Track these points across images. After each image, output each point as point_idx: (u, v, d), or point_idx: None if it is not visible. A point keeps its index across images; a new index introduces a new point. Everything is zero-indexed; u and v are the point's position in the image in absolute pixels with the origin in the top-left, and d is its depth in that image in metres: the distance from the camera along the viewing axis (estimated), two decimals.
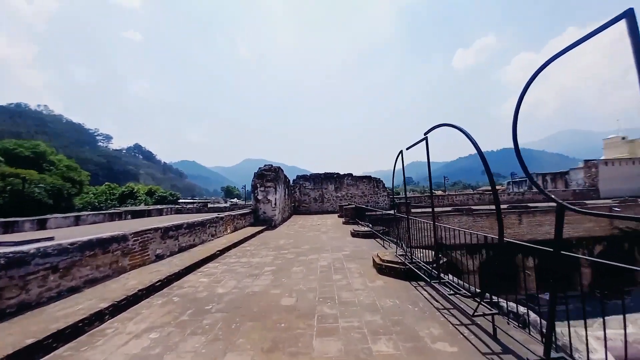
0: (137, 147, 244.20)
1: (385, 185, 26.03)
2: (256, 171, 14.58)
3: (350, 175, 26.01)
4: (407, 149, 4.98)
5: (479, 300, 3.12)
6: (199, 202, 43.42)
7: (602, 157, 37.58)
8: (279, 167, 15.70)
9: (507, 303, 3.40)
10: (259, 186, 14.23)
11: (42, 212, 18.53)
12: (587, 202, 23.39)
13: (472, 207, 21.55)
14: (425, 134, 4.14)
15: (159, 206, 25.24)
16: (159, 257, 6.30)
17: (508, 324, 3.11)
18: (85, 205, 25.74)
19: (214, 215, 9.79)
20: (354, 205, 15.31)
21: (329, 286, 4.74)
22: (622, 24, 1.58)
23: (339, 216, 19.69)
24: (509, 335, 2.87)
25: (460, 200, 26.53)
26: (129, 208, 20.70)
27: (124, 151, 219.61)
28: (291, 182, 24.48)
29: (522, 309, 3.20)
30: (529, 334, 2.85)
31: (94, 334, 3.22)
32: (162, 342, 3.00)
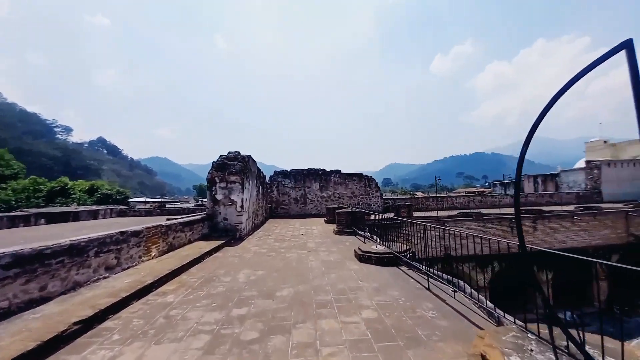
0: (101, 141, 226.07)
1: (378, 185, 22.53)
2: (215, 160, 10.29)
3: (337, 172, 22.22)
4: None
5: None
6: (154, 202, 37.60)
7: (584, 160, 36.94)
8: (249, 156, 11.50)
9: None
10: (217, 181, 9.96)
11: None
12: (602, 206, 21.29)
13: (481, 211, 18.48)
14: None
15: (93, 207, 19.93)
16: None
17: None
18: None
19: (130, 228, 5.50)
20: (350, 209, 11.50)
21: None
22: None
23: (326, 221, 15.81)
24: None
25: (461, 202, 23.66)
26: (43, 210, 15.44)
27: (86, 145, 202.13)
28: (267, 179, 20.24)
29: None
30: None
31: None
32: None
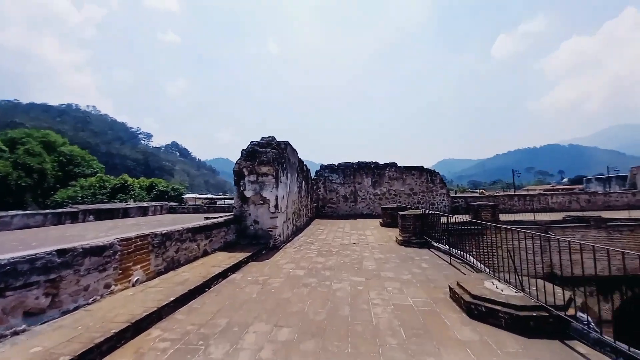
0: (174, 145, 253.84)
1: (444, 180, 18.61)
2: (245, 148, 8.19)
3: (393, 165, 18.93)
4: None
5: None
6: (205, 199, 38.49)
7: None
8: (286, 143, 9.19)
9: None
10: (246, 173, 7.83)
11: None
12: None
13: (601, 214, 13.52)
14: None
15: (143, 204, 20.06)
16: None
17: None
18: (65, 200, 21.49)
19: (83, 243, 3.52)
20: (419, 211, 8.42)
21: None
22: None
23: (382, 224, 12.90)
24: None
25: (559, 202, 18.31)
26: (92, 206, 15.50)
27: (162, 148, 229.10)
28: (313, 174, 17.99)
29: None
30: None
31: None
32: None
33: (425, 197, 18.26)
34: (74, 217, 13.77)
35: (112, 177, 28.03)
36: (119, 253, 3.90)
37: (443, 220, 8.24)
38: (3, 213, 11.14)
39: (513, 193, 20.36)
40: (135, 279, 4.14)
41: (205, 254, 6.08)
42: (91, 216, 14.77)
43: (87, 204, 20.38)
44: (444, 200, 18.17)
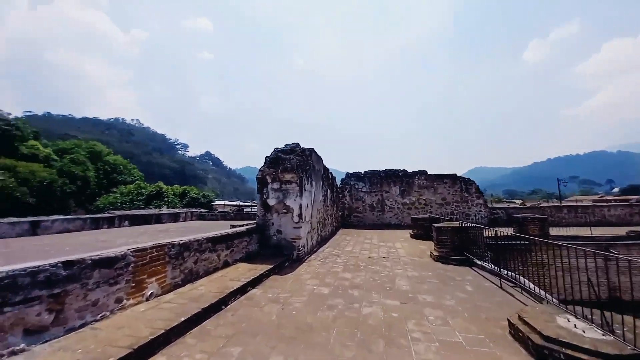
0: (208, 154, 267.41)
1: (480, 189, 17.19)
2: (268, 155, 7.92)
3: (423, 173, 17.88)
4: None
5: None
6: (233, 205, 39.26)
7: None
8: (311, 150, 8.81)
9: None
10: (269, 181, 7.53)
11: (11, 213, 15.09)
12: None
13: None
14: None
15: (175, 210, 20.70)
16: None
17: None
18: (106, 205, 22.87)
19: (93, 254, 3.31)
20: (458, 224, 7.56)
21: None
22: None
23: (412, 235, 12.02)
24: None
25: (617, 215, 16.07)
26: (127, 212, 16.17)
27: (197, 158, 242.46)
28: (338, 182, 17.48)
29: None
30: None
31: None
32: None
33: (459, 208, 16.96)
34: (110, 222, 14.40)
35: (148, 184, 29.60)
36: (132, 265, 3.65)
37: (486, 233, 7.33)
38: (45, 218, 11.88)
39: (560, 204, 18.22)
40: (150, 292, 3.87)
41: (226, 265, 5.76)
42: (126, 221, 15.39)
43: (125, 210, 21.54)
44: (480, 210, 16.74)
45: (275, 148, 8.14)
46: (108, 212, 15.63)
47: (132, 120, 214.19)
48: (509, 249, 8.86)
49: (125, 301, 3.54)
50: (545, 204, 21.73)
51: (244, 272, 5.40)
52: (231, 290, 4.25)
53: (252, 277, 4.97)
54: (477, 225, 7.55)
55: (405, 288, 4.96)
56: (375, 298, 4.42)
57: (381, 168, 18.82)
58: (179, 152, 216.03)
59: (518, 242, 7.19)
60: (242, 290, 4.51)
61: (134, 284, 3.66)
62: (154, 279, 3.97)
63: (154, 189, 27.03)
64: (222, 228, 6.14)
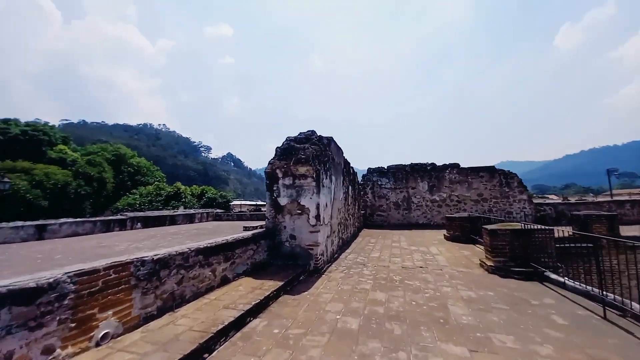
0: (229, 156, 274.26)
1: (523, 183, 15.10)
2: (279, 145, 6.67)
3: (455, 166, 16.00)
4: None
5: None
6: (250, 205, 38.74)
7: None
8: (329, 139, 7.46)
9: None
10: (280, 175, 6.28)
11: (24, 217, 14.98)
12: None
13: None
14: None
15: (191, 210, 20.12)
16: None
17: None
18: (125, 207, 22.83)
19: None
20: (519, 226, 5.93)
21: None
22: None
23: (447, 237, 10.39)
24: None
25: None
26: (140, 214, 15.62)
27: (220, 159, 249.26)
28: (360, 179, 16.02)
29: None
30: None
31: None
32: None
33: (498, 204, 14.95)
34: (122, 225, 13.85)
35: (167, 185, 29.56)
36: (71, 296, 2.50)
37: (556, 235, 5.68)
38: (52, 221, 11.40)
39: (629, 199, 15.59)
40: (103, 333, 2.70)
41: (225, 282, 4.57)
42: (139, 223, 14.82)
43: (144, 211, 21.32)
44: (524, 207, 14.65)
45: (288, 137, 6.87)
46: (120, 214, 15.16)
47: (159, 125, 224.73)
48: (565, 252, 7.10)
49: (59, 351, 2.39)
50: (603, 199, 18.99)
51: (245, 292, 4.17)
52: (220, 327, 3.00)
53: (254, 302, 3.71)
54: (545, 227, 5.88)
55: (466, 320, 3.51)
56: (427, 340, 3.02)
57: (405, 162, 17.12)
58: (203, 154, 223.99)
59: (581, 244, 5.54)
60: (237, 324, 3.26)
61: (74, 324, 2.50)
62: (110, 312, 2.81)
63: (172, 190, 26.81)
64: (236, 229, 5.01)
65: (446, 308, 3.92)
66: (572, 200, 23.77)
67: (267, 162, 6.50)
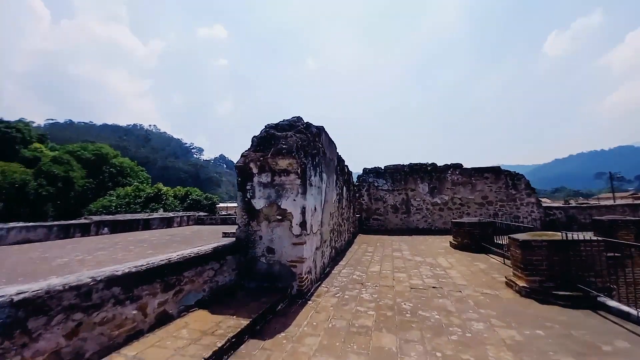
0: (222, 158, 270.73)
1: (531, 185, 14.02)
2: (255, 135, 5.31)
3: (458, 167, 14.85)
4: None
5: None
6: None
7: None
8: (319, 129, 6.12)
9: None
10: (255, 171, 4.90)
11: None
12: None
13: None
14: None
15: (170, 214, 18.48)
16: None
17: None
18: (100, 209, 21.00)
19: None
20: (560, 236, 4.70)
21: None
22: None
23: (453, 245, 9.13)
24: None
25: None
26: (107, 217, 13.98)
27: (212, 161, 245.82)
28: (354, 179, 14.72)
29: None
30: None
31: None
32: None
33: (505, 208, 13.82)
34: (85, 230, 12.19)
35: (147, 186, 27.76)
36: None
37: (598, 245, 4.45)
38: (1, 225, 9.73)
39: (614, 202, 14.73)
40: None
41: (164, 320, 3.15)
42: (105, 228, 13.17)
43: (122, 214, 19.58)
44: (533, 211, 13.55)
45: (267, 124, 5.49)
46: (85, 218, 13.48)
47: (150, 126, 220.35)
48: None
49: None
50: (618, 202, 18.15)
51: (188, 341, 2.76)
52: None
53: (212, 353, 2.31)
54: (595, 237, 4.63)
55: None
56: None
57: (404, 162, 15.91)
58: (194, 155, 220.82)
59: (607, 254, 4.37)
60: None
61: None
62: None
63: (152, 191, 25.04)
64: (217, 235, 3.64)
65: None
66: (574, 203, 23.01)
67: (240, 155, 5.10)
